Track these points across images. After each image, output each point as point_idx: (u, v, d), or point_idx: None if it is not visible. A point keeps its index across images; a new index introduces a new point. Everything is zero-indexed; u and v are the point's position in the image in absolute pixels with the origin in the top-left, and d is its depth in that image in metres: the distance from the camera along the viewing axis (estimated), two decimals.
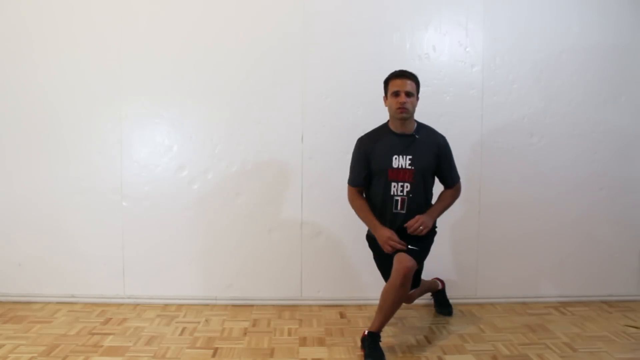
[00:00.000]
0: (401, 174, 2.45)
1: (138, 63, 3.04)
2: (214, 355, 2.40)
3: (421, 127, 2.53)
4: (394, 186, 2.46)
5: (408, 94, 2.40)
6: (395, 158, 2.45)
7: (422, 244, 2.46)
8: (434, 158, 2.49)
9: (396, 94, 2.41)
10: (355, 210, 2.56)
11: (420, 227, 2.40)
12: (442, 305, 2.99)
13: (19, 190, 3.07)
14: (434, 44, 3.09)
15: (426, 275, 2.86)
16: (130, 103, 3.05)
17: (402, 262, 2.34)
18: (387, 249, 2.41)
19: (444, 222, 2.94)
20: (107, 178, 3.06)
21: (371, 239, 2.64)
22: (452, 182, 2.58)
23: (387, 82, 2.49)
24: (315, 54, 3.05)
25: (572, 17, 3.12)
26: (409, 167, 2.44)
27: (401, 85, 2.40)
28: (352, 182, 2.56)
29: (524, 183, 3.14)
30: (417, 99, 2.47)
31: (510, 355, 2.42)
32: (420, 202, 2.48)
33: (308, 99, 3.06)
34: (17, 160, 3.07)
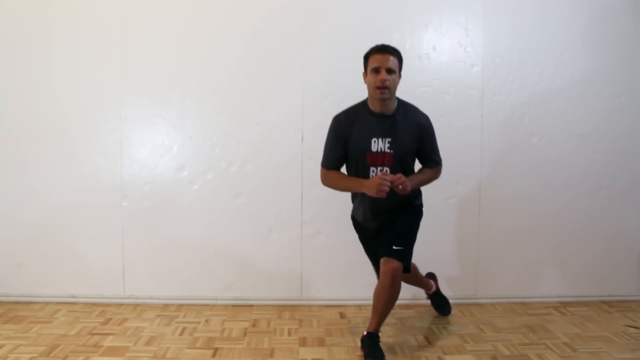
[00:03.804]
0: (380, 157, 2.30)
1: (138, 63, 3.04)
2: (214, 355, 2.40)
3: (402, 105, 2.35)
4: (373, 170, 2.31)
5: (389, 71, 2.22)
6: (374, 141, 2.29)
7: (405, 239, 2.35)
8: (415, 140, 2.34)
9: (376, 70, 2.23)
10: (333, 185, 2.40)
11: (400, 187, 2.18)
12: (440, 305, 2.94)
13: (19, 190, 3.07)
14: (434, 44, 3.09)
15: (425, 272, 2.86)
16: (130, 103, 3.05)
17: (388, 263, 2.28)
18: (383, 191, 2.17)
19: (444, 222, 2.95)
20: (107, 178, 3.06)
21: (355, 221, 2.55)
22: (432, 165, 2.44)
23: (367, 57, 2.31)
24: (315, 54, 3.05)
25: (572, 17, 3.12)
26: (388, 151, 2.29)
27: (382, 60, 2.23)
28: (326, 164, 2.40)
29: (524, 183, 3.14)
30: (400, 76, 2.30)
31: (510, 355, 2.42)
32: None
33: (308, 99, 3.06)
34: (18, 160, 3.07)
